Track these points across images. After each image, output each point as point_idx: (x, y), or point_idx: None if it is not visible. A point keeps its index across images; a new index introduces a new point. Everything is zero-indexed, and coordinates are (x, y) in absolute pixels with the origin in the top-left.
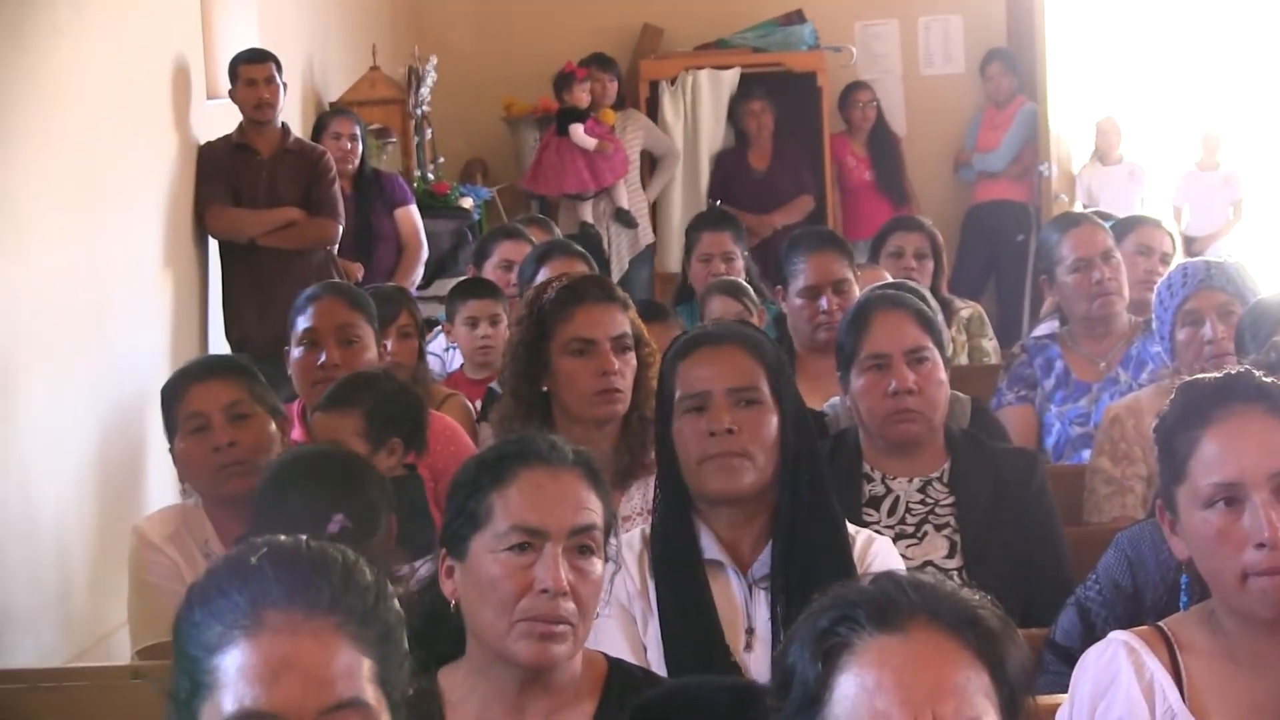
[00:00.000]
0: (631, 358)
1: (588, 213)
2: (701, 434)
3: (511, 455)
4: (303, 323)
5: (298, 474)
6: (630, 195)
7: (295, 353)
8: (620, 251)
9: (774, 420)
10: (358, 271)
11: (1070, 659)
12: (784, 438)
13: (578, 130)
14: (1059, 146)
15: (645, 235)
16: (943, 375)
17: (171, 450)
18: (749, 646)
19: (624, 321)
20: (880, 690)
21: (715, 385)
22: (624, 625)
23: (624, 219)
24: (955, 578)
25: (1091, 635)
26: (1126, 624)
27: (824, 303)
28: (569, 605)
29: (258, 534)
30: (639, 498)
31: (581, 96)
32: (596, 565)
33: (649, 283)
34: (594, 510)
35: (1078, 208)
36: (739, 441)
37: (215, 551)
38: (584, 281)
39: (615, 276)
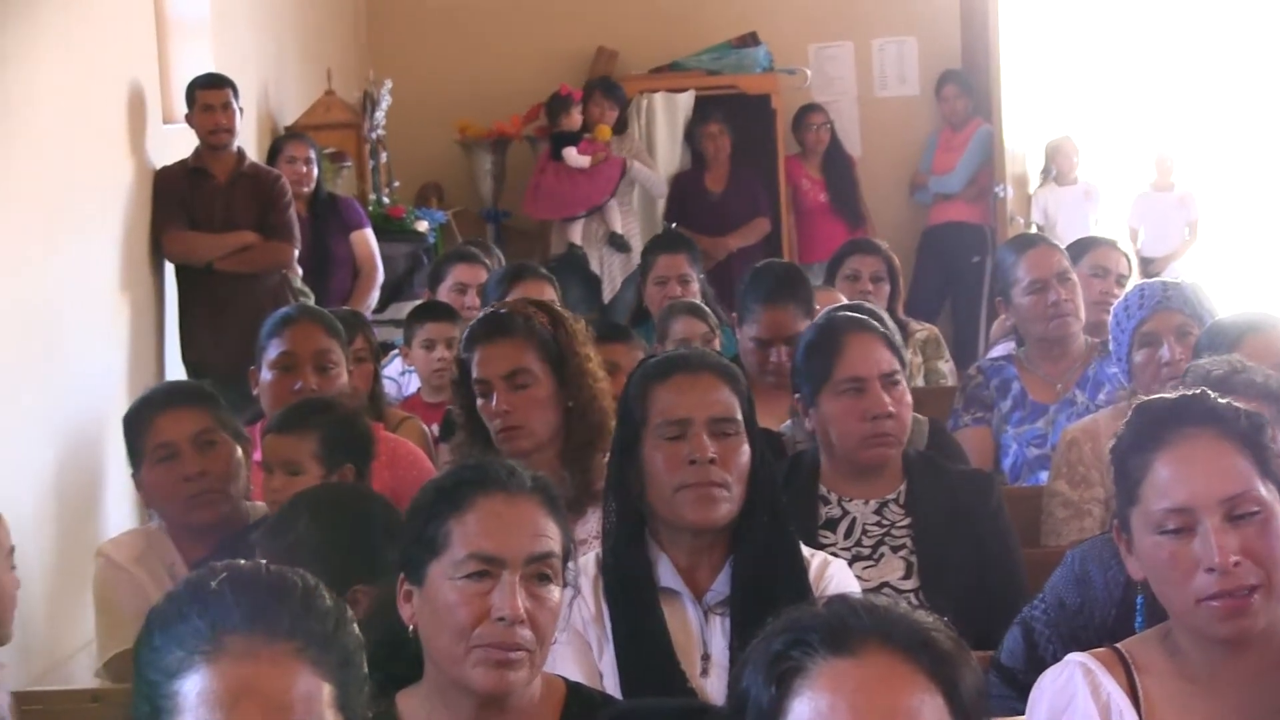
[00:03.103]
0: (535, 390)
1: (577, 235)
2: (679, 462)
3: (469, 482)
4: (277, 346)
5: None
6: (624, 217)
7: (267, 375)
8: (612, 273)
9: (747, 450)
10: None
11: (1014, 680)
12: (753, 466)
13: (571, 153)
14: (1015, 168)
15: (638, 256)
16: (910, 397)
17: (135, 478)
18: (705, 672)
19: (518, 356)
20: (834, 713)
21: (696, 413)
22: (579, 651)
23: (617, 243)
24: (912, 599)
25: (1034, 654)
26: (1069, 643)
27: (774, 355)
28: (526, 633)
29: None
30: (595, 522)
31: (575, 119)
32: (554, 592)
33: (634, 304)
34: (552, 538)
35: (1033, 228)
36: (718, 472)
37: (181, 574)
38: (481, 321)
39: (607, 297)
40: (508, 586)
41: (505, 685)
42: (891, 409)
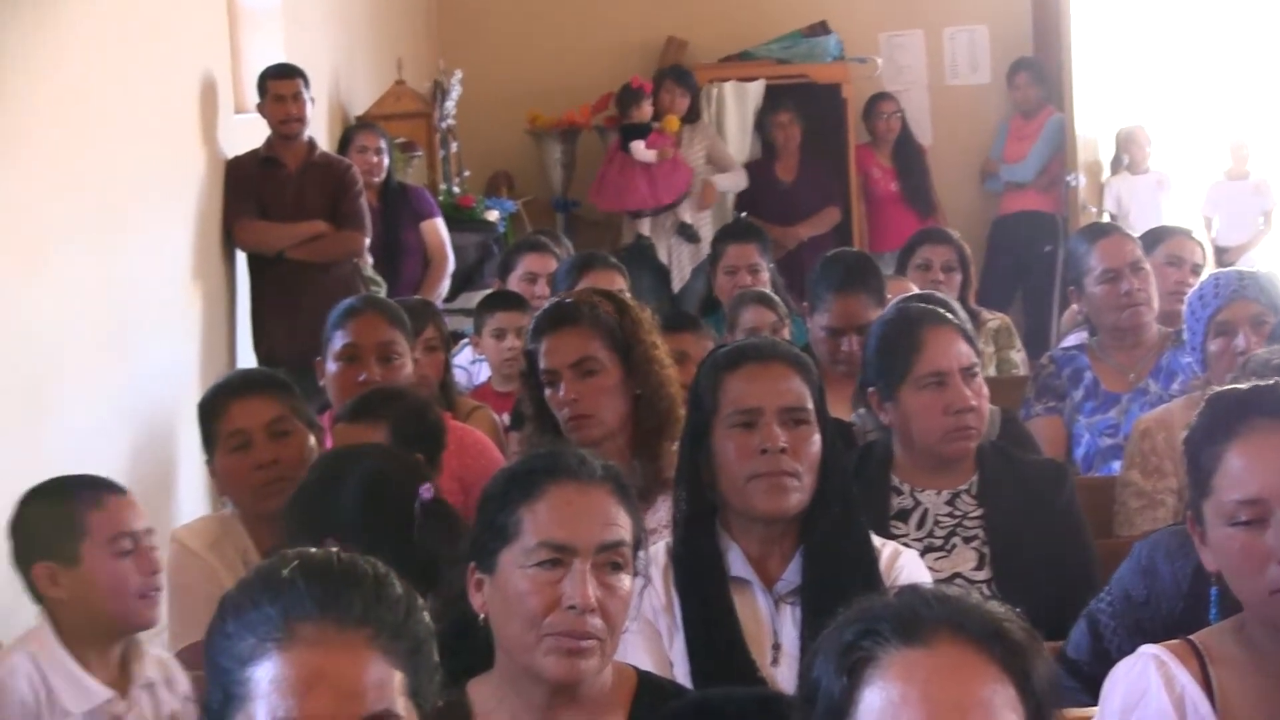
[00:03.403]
0: (603, 379)
1: (646, 227)
2: (751, 451)
3: (541, 470)
4: (342, 337)
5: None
6: (693, 208)
7: (333, 367)
8: (681, 263)
9: (818, 439)
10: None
11: (1079, 673)
12: (824, 456)
13: (638, 146)
14: (1086, 156)
15: (707, 246)
16: (986, 390)
17: (209, 465)
18: (775, 661)
19: (585, 345)
20: (905, 703)
21: (767, 402)
22: (649, 640)
23: (687, 233)
24: (984, 590)
25: (1100, 646)
26: (1135, 635)
27: (845, 344)
28: (596, 621)
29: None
30: (665, 510)
31: (646, 111)
32: (625, 581)
33: (704, 294)
34: (623, 526)
35: (1105, 217)
36: (789, 461)
37: (253, 562)
38: (547, 311)
39: (676, 287)
40: (579, 575)
41: (576, 674)
42: (973, 402)
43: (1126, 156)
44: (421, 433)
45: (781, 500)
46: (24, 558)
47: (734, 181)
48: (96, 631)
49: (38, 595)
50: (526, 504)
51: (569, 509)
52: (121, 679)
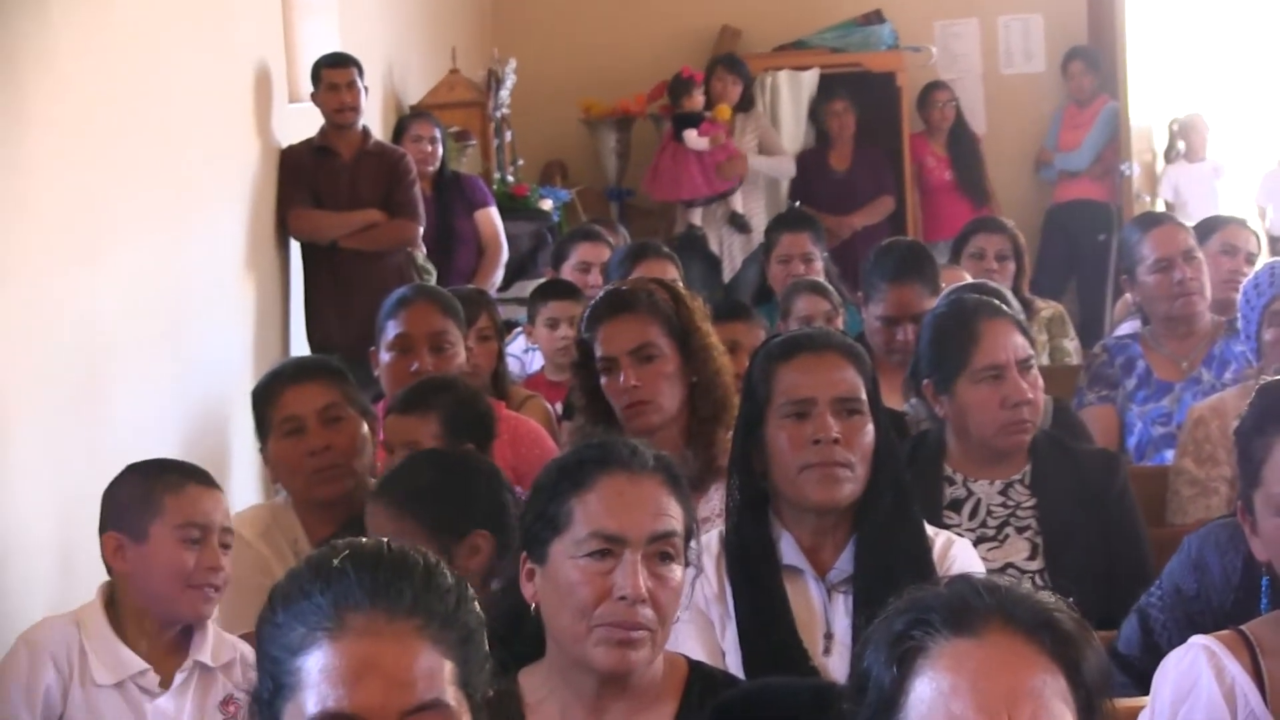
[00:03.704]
0: (661, 365)
1: (698, 216)
2: (804, 441)
3: (592, 460)
4: (395, 327)
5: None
6: (745, 198)
7: (386, 356)
8: (733, 252)
9: (871, 430)
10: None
11: (1130, 668)
12: (877, 446)
13: (691, 135)
14: (1141, 145)
15: (758, 235)
16: (1041, 381)
17: (263, 451)
18: (828, 651)
19: (644, 331)
20: (956, 694)
21: (820, 393)
22: (701, 629)
23: (738, 223)
24: (1037, 580)
25: (1150, 641)
26: (1186, 629)
27: (900, 333)
28: (647, 612)
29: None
30: (717, 499)
31: (697, 100)
32: (676, 571)
33: (756, 282)
34: (674, 516)
35: (1160, 206)
36: (842, 451)
37: (304, 550)
38: (603, 298)
39: (727, 277)
40: (629, 565)
41: (627, 664)
42: (1029, 395)
43: (1183, 144)
44: (472, 422)
45: (834, 490)
46: (102, 524)
47: (773, 165)
48: (148, 611)
49: (108, 565)
50: (578, 494)
51: (620, 499)
52: (170, 658)
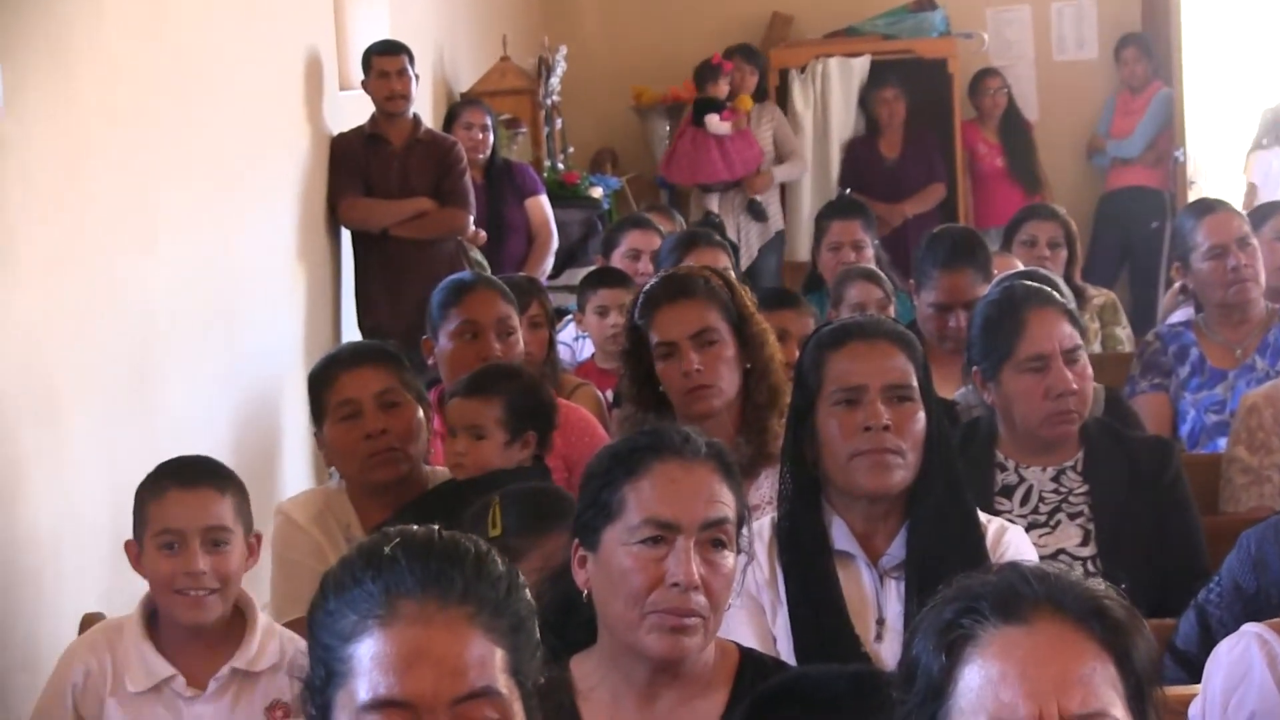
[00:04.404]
0: (722, 349)
1: (714, 203)
2: (854, 428)
3: (645, 447)
4: (458, 315)
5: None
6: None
7: (447, 344)
8: (749, 240)
9: (922, 417)
10: (479, 238)
11: (1188, 664)
12: (929, 433)
13: (713, 119)
14: (1196, 131)
15: (775, 223)
16: (1090, 370)
17: (318, 436)
18: (879, 637)
19: (704, 316)
20: (1005, 682)
21: (871, 380)
22: (752, 615)
23: (755, 210)
24: (1089, 566)
25: (1209, 638)
26: None
27: (952, 320)
28: (700, 599)
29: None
30: (768, 486)
31: (722, 88)
32: (728, 558)
33: (777, 270)
34: (726, 503)
35: (1244, 189)
36: (893, 439)
37: (356, 536)
38: (661, 283)
39: (744, 265)
40: (682, 552)
41: (679, 651)
42: (1074, 385)
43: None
44: (535, 410)
45: (885, 477)
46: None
47: (792, 172)
48: (165, 615)
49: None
50: (630, 481)
51: (673, 486)
52: (210, 664)
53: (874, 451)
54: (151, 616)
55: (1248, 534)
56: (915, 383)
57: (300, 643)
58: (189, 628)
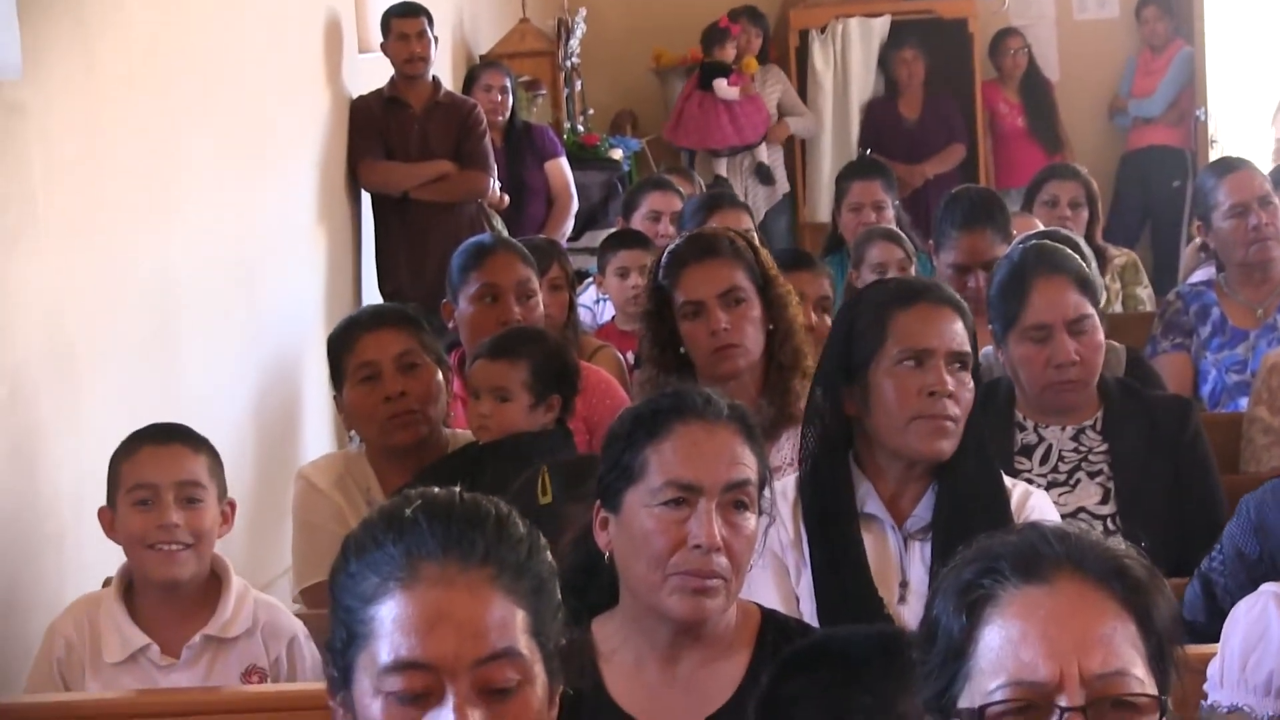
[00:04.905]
0: (748, 309)
1: (723, 167)
2: (917, 391)
3: (667, 410)
4: (479, 278)
5: None
6: (769, 149)
7: (468, 307)
8: (756, 203)
9: (973, 385)
10: (503, 201)
11: (1194, 632)
12: (975, 404)
13: (721, 84)
14: (1216, 90)
15: (782, 186)
16: (1101, 336)
17: (337, 399)
18: (903, 600)
19: (731, 275)
20: (1025, 641)
21: (939, 344)
22: (776, 575)
23: (762, 174)
24: (1108, 524)
25: (1214, 606)
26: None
27: (971, 280)
28: (722, 560)
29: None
30: (789, 448)
31: (729, 51)
32: (750, 520)
33: (787, 232)
34: (748, 465)
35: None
36: (953, 406)
37: (376, 499)
38: (687, 243)
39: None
40: (704, 514)
41: (701, 613)
42: (1076, 357)
43: None
44: (559, 374)
45: (940, 443)
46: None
47: (806, 125)
48: (140, 581)
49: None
50: (653, 443)
51: (695, 448)
52: (185, 631)
53: (935, 417)
54: (130, 589)
55: (1246, 499)
56: (971, 350)
57: (275, 606)
58: (163, 588)
